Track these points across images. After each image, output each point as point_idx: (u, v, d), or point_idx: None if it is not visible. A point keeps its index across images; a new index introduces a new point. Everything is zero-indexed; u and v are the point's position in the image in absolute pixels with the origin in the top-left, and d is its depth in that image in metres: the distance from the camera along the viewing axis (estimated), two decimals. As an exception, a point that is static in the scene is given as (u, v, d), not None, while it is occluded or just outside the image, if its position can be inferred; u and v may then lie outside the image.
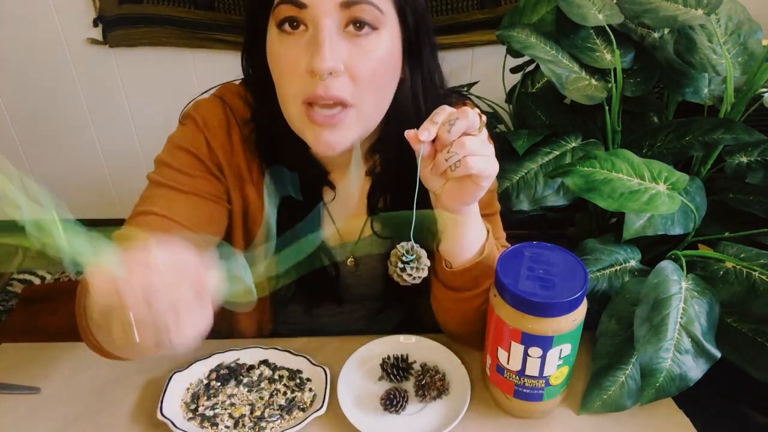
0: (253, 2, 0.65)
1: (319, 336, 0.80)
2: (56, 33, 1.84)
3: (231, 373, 0.72)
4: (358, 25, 0.59)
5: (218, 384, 0.70)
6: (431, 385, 0.69)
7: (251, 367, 0.73)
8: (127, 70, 1.92)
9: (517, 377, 0.63)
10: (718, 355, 0.67)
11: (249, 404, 0.68)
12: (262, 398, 0.69)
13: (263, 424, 0.65)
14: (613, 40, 1.06)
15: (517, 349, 0.61)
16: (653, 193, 0.74)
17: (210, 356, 0.73)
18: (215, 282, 0.42)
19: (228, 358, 0.74)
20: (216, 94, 0.75)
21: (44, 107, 1.99)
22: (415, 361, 0.74)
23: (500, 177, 1.07)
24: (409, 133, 0.55)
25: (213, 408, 0.67)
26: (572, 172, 0.78)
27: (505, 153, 1.09)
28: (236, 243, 0.77)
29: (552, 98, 1.23)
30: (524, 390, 0.64)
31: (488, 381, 0.69)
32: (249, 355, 0.74)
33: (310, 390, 0.70)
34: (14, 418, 0.69)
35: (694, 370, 0.67)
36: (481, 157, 0.55)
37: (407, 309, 0.93)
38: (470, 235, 0.65)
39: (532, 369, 0.62)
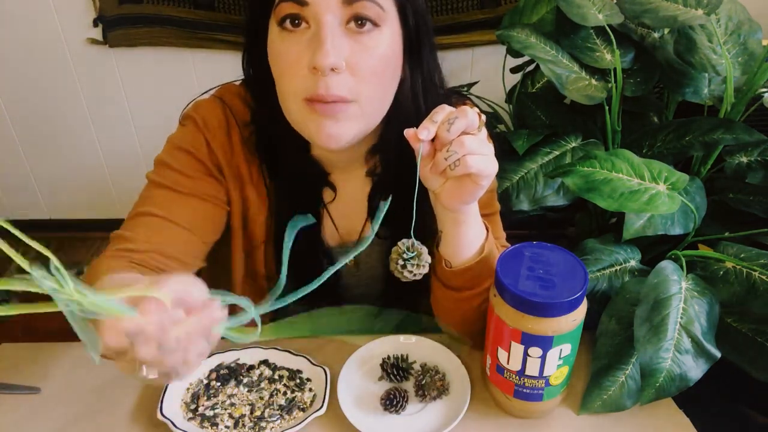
0: (254, 0, 0.65)
1: (319, 336, 0.80)
2: (56, 33, 1.84)
3: (231, 373, 0.72)
4: (359, 22, 0.59)
5: (218, 384, 0.70)
6: (431, 385, 0.69)
7: (251, 367, 0.73)
8: (127, 70, 1.92)
9: (517, 377, 0.63)
10: (718, 355, 0.67)
11: (249, 404, 0.68)
12: (262, 398, 0.69)
13: (263, 424, 0.65)
14: (613, 40, 1.06)
15: (517, 349, 0.61)
16: (653, 193, 0.74)
17: (210, 356, 0.73)
18: (221, 316, 0.42)
19: (228, 358, 0.74)
20: (216, 95, 0.75)
21: (44, 107, 1.99)
22: (415, 361, 0.74)
23: (500, 177, 1.07)
24: (408, 132, 0.55)
25: (213, 408, 0.67)
26: (572, 172, 0.78)
27: (505, 153, 1.09)
28: (236, 244, 0.77)
29: (552, 98, 1.23)
30: (524, 390, 0.64)
31: (488, 381, 0.69)
32: (249, 355, 0.74)
33: (310, 390, 0.70)
34: (14, 418, 0.69)
35: (694, 370, 0.67)
36: (480, 156, 0.55)
37: (407, 309, 0.93)
38: (470, 235, 0.65)
39: (532, 369, 0.62)
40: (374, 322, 0.90)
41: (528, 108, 1.23)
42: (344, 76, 0.60)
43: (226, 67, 1.81)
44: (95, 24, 1.81)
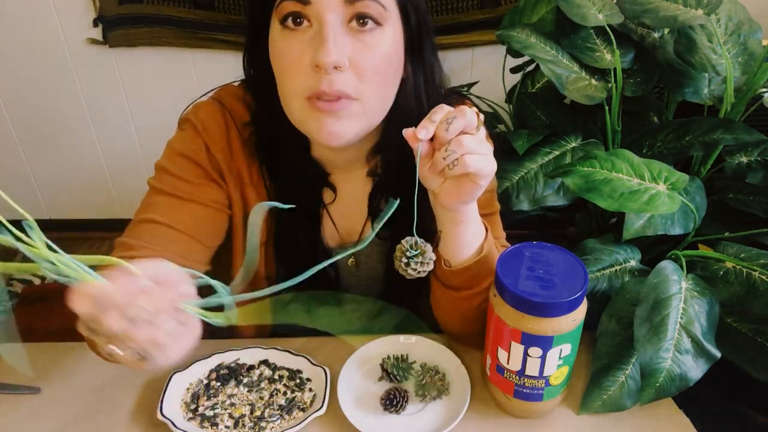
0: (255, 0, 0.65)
1: (319, 336, 0.80)
2: (56, 33, 1.84)
3: (231, 373, 0.72)
4: (361, 20, 0.59)
5: (218, 384, 0.70)
6: (431, 385, 0.69)
7: (251, 367, 0.73)
8: (127, 70, 1.92)
9: (517, 377, 0.63)
10: (718, 355, 0.67)
11: (249, 404, 0.68)
12: (262, 398, 0.69)
13: (263, 424, 0.65)
14: (613, 40, 1.06)
15: (517, 349, 0.61)
16: (653, 193, 0.74)
17: (210, 356, 0.73)
18: (189, 292, 0.43)
19: (228, 358, 0.74)
20: (214, 97, 0.75)
21: (44, 107, 1.99)
22: (415, 361, 0.74)
23: (500, 177, 1.07)
24: (407, 132, 0.55)
25: (213, 408, 0.67)
26: (572, 172, 0.78)
27: (505, 153, 1.09)
28: (237, 245, 0.77)
29: (552, 98, 1.23)
30: (524, 390, 0.64)
31: (488, 381, 0.69)
32: (249, 355, 0.74)
33: (310, 390, 0.70)
34: (14, 418, 0.69)
35: (694, 370, 0.67)
36: (479, 156, 0.55)
37: (408, 309, 0.93)
38: (469, 234, 0.65)
39: (532, 369, 0.62)
40: (374, 322, 0.90)
41: (528, 108, 1.23)
42: (347, 74, 0.60)
43: (226, 67, 1.80)
44: (95, 24, 1.81)
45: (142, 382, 0.73)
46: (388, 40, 0.62)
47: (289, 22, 0.60)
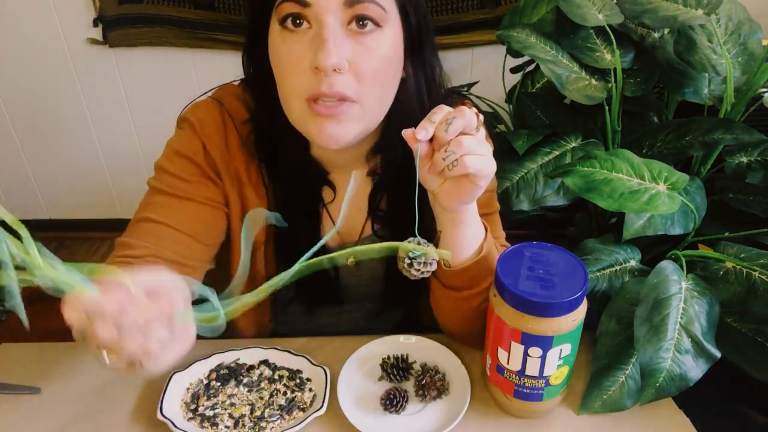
0: (255, 0, 0.65)
1: (319, 336, 0.80)
2: (56, 33, 1.84)
3: (231, 373, 0.72)
4: (361, 22, 0.59)
5: (218, 384, 0.70)
6: (431, 385, 0.69)
7: (251, 367, 0.73)
8: (127, 70, 1.92)
9: (517, 377, 0.63)
10: (718, 355, 0.67)
11: (249, 404, 0.68)
12: (262, 398, 0.69)
13: (263, 424, 0.65)
14: (613, 40, 1.06)
15: (517, 349, 0.61)
16: (653, 193, 0.74)
17: (210, 356, 0.73)
18: (185, 304, 0.43)
19: (228, 358, 0.74)
20: (213, 97, 0.75)
21: (44, 107, 1.99)
22: (415, 361, 0.74)
23: (500, 177, 1.07)
24: (406, 132, 0.55)
25: (213, 408, 0.67)
26: (572, 172, 0.78)
27: (505, 153, 1.09)
28: (236, 245, 0.77)
29: (552, 98, 1.23)
30: (524, 390, 0.64)
31: (488, 381, 0.69)
32: (249, 355, 0.74)
33: (310, 390, 0.70)
34: (14, 418, 0.69)
35: (694, 370, 0.67)
36: (478, 157, 0.55)
37: (407, 309, 0.93)
38: (468, 235, 0.65)
39: (532, 369, 0.62)
40: (374, 322, 0.90)
41: (528, 108, 1.23)
42: (346, 76, 0.60)
43: (226, 67, 1.81)
44: (95, 24, 1.81)
45: (142, 382, 0.73)
46: (388, 41, 0.62)
47: (289, 23, 0.60)
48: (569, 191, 1.05)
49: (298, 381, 0.71)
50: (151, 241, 0.67)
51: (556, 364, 0.62)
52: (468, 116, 0.54)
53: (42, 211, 2.23)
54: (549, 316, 0.58)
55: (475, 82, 1.58)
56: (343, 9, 0.58)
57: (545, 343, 0.60)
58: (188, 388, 0.70)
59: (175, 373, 0.70)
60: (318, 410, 0.65)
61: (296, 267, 0.47)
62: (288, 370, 0.72)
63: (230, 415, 0.67)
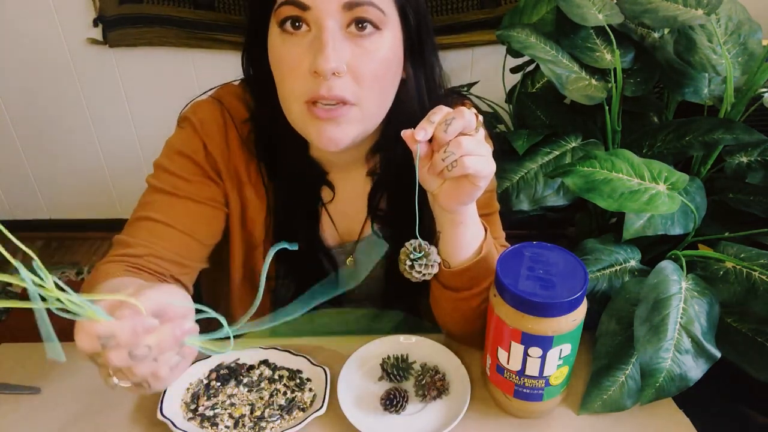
0: (255, 2, 0.65)
1: (319, 336, 0.80)
2: (56, 33, 1.84)
3: (231, 373, 0.72)
4: (360, 25, 0.59)
5: (218, 384, 0.70)
6: (431, 385, 0.69)
7: (251, 367, 0.73)
8: (127, 70, 1.92)
9: (517, 377, 0.63)
10: (718, 355, 0.67)
11: (249, 404, 0.68)
12: (262, 398, 0.69)
13: (263, 424, 0.65)
14: (613, 40, 1.06)
15: (517, 349, 0.61)
16: (653, 193, 0.74)
17: (210, 356, 0.73)
18: (193, 329, 0.43)
19: (228, 358, 0.73)
20: (214, 96, 0.75)
21: (44, 107, 1.99)
22: (415, 361, 0.74)
23: (500, 177, 1.07)
24: (405, 133, 0.55)
25: (213, 408, 0.67)
26: (572, 172, 0.78)
27: (505, 153, 1.09)
28: (234, 244, 0.77)
29: (552, 98, 1.23)
30: (524, 390, 0.64)
31: (488, 381, 0.69)
32: (249, 355, 0.74)
33: (310, 390, 0.70)
34: (14, 418, 0.69)
35: (694, 370, 0.67)
36: (477, 157, 0.55)
37: (407, 309, 0.93)
38: (468, 235, 0.65)
39: (532, 369, 0.62)
40: (374, 322, 0.90)
41: (528, 108, 1.23)
42: (346, 79, 0.60)
43: (226, 67, 1.81)
44: (95, 24, 1.81)
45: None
46: (387, 44, 0.62)
47: (288, 25, 0.60)
48: (569, 191, 1.05)
49: (298, 381, 0.71)
50: (149, 240, 0.67)
51: (556, 364, 0.62)
52: (467, 117, 0.54)
53: (42, 211, 2.23)
54: (549, 316, 0.58)
55: (475, 82, 1.58)
56: (342, 12, 0.58)
57: (545, 343, 0.60)
58: (188, 388, 0.70)
59: (175, 373, 0.70)
60: (318, 410, 0.65)
61: (307, 296, 0.47)
62: (288, 370, 0.72)
63: (230, 415, 0.67)
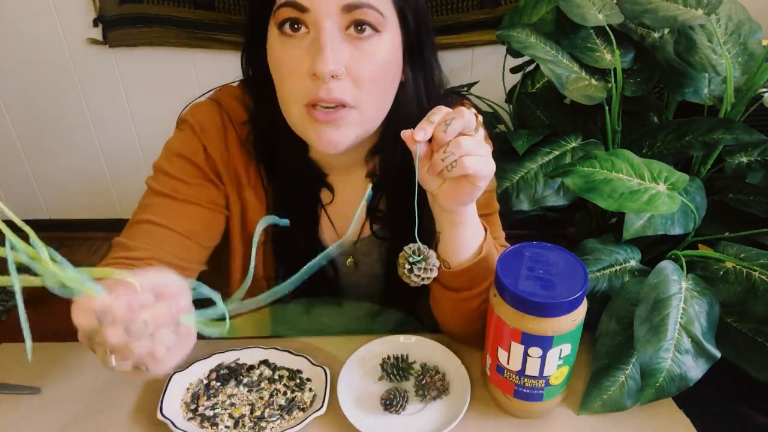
0: (254, 3, 0.65)
1: (319, 336, 0.80)
2: (56, 33, 1.84)
3: (231, 373, 0.72)
4: (359, 27, 0.59)
5: (218, 384, 0.70)
6: (431, 385, 0.69)
7: (251, 367, 0.73)
8: (127, 70, 1.92)
9: (517, 377, 0.63)
10: (718, 355, 0.67)
11: (249, 404, 0.68)
12: (262, 398, 0.69)
13: (263, 424, 0.65)
14: (613, 40, 1.06)
15: (517, 349, 0.61)
16: (653, 193, 0.74)
17: (210, 356, 0.73)
18: (190, 307, 0.43)
19: (228, 358, 0.74)
20: (213, 98, 0.75)
21: (44, 107, 1.99)
22: (415, 361, 0.74)
23: (500, 177, 1.07)
24: (405, 133, 0.55)
25: (213, 408, 0.67)
26: (572, 172, 0.78)
27: (505, 153, 1.09)
28: (234, 246, 0.77)
29: (552, 98, 1.23)
30: (524, 390, 0.64)
31: (488, 381, 0.69)
32: (249, 355, 0.74)
33: (310, 390, 0.70)
34: (14, 418, 0.69)
35: (694, 370, 0.67)
36: (477, 158, 0.55)
37: (407, 309, 0.93)
38: (467, 236, 0.65)
39: (532, 369, 0.62)
40: (374, 322, 0.90)
41: (528, 108, 1.24)
42: (345, 82, 0.59)
43: (226, 67, 1.81)
44: (95, 24, 1.81)
45: (142, 382, 0.73)
46: (386, 46, 0.61)
47: (287, 27, 0.60)
48: (569, 191, 1.05)
49: (298, 381, 0.71)
50: (149, 243, 0.67)
51: (556, 364, 0.62)
52: (467, 117, 0.54)
53: (42, 211, 2.23)
54: (549, 316, 0.58)
55: (475, 82, 1.58)
56: (341, 14, 0.58)
57: (545, 343, 0.60)
58: (188, 388, 0.70)
59: (175, 373, 0.70)
60: (318, 410, 0.65)
61: (300, 273, 0.47)
62: (288, 370, 0.72)
63: (230, 415, 0.67)
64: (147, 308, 0.40)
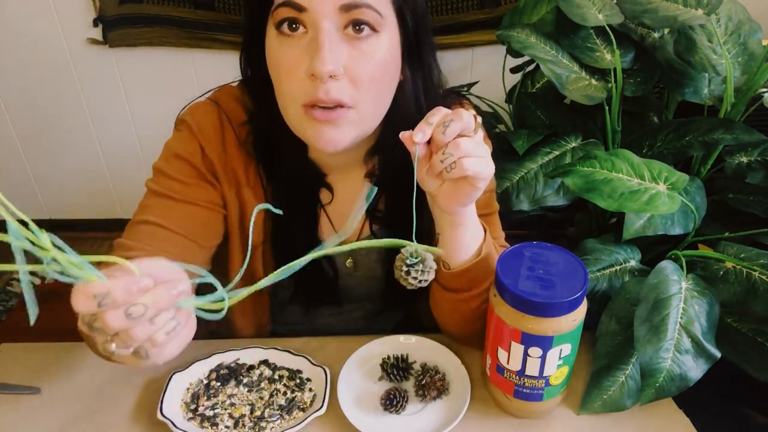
0: (252, 3, 0.65)
1: (319, 336, 0.80)
2: (56, 33, 1.84)
3: (231, 373, 0.72)
4: (357, 27, 0.59)
5: (218, 384, 0.70)
6: (431, 385, 0.69)
7: (251, 367, 0.73)
8: (127, 70, 1.92)
9: (517, 377, 0.63)
10: (718, 355, 0.67)
11: (249, 404, 0.68)
12: (262, 398, 0.69)
13: (263, 424, 0.65)
14: (613, 40, 1.06)
15: (517, 349, 0.61)
16: (653, 193, 0.74)
17: (210, 356, 0.73)
18: (186, 289, 0.43)
19: (228, 358, 0.74)
20: (211, 98, 0.75)
21: (44, 107, 1.99)
22: (415, 361, 0.74)
23: (500, 177, 1.07)
24: (404, 135, 0.55)
25: (213, 408, 0.67)
26: (572, 172, 0.78)
27: (505, 153, 1.09)
28: (233, 246, 0.77)
29: (552, 98, 1.23)
30: (524, 390, 0.64)
31: (488, 381, 0.69)
32: (249, 355, 0.74)
33: (310, 390, 0.70)
34: (14, 418, 0.69)
35: (694, 370, 0.67)
36: (476, 159, 0.54)
37: (407, 309, 0.93)
38: (467, 237, 0.65)
39: (532, 369, 0.62)
40: (374, 322, 0.90)
41: (528, 108, 1.23)
42: (343, 82, 0.59)
43: (226, 67, 1.80)
44: (95, 24, 1.81)
45: (142, 382, 0.73)
46: (385, 46, 0.61)
47: (285, 27, 0.60)
48: (569, 191, 1.05)
49: (298, 381, 0.71)
50: (150, 244, 0.67)
51: (556, 364, 0.62)
52: (466, 118, 0.54)
53: (42, 211, 2.23)
54: (549, 316, 0.58)
55: (475, 82, 1.58)
56: (339, 14, 0.58)
57: (545, 343, 0.60)
58: (188, 388, 0.70)
59: (175, 373, 0.70)
60: (318, 410, 0.65)
61: (297, 262, 0.47)
62: (288, 370, 0.72)
63: (230, 415, 0.67)
64: (146, 292, 0.40)
